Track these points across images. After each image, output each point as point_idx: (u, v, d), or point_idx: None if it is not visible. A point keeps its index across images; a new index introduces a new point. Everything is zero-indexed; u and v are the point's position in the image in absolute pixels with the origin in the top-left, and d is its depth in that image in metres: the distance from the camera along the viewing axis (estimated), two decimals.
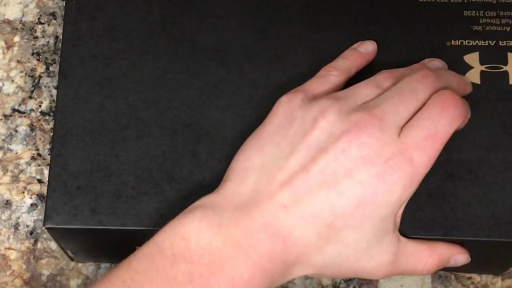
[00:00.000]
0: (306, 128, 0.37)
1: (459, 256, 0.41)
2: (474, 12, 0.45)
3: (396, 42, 0.44)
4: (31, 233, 0.48)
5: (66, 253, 0.45)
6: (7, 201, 0.48)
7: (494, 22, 0.44)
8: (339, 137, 0.36)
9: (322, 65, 0.43)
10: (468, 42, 0.44)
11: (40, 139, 0.49)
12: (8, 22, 0.52)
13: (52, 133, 0.41)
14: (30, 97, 0.50)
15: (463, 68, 0.43)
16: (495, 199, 0.40)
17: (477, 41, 0.44)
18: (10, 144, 0.49)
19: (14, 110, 0.50)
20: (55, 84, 0.50)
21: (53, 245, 0.47)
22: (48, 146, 0.49)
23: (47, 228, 0.40)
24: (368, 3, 0.45)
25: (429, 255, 0.39)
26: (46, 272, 0.47)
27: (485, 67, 0.43)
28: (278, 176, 0.36)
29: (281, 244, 0.36)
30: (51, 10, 0.52)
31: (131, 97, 0.42)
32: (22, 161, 0.49)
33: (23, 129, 0.50)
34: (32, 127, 0.49)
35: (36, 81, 0.50)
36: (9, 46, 0.51)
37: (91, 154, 0.41)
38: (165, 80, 0.43)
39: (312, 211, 0.36)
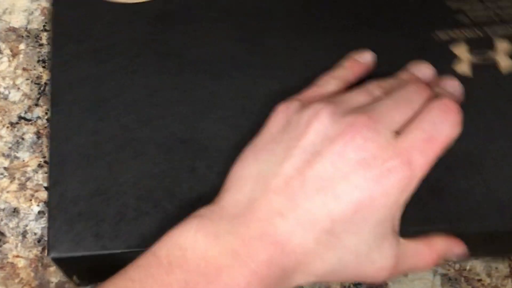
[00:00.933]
0: (300, 131, 0.37)
1: (456, 249, 0.40)
2: (457, 2, 0.45)
3: (384, 39, 0.44)
4: (39, 241, 0.47)
5: (71, 279, 0.45)
6: (15, 209, 0.48)
7: (478, 8, 0.44)
8: (334, 139, 0.36)
9: (312, 71, 0.43)
10: (454, 33, 0.44)
11: (47, 146, 0.49)
12: (14, 30, 0.52)
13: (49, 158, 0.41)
14: (36, 105, 0.50)
15: (452, 60, 0.43)
16: (495, 187, 0.41)
17: (463, 31, 0.44)
18: (17, 152, 0.49)
19: (20, 117, 0.50)
20: None
21: None
22: None
23: (52, 258, 0.40)
24: (353, 5, 0.44)
25: (428, 254, 0.39)
26: (54, 280, 0.47)
27: (474, 57, 0.43)
28: (274, 183, 0.36)
29: (279, 252, 0.35)
30: None
31: (124, 118, 0.42)
32: (29, 168, 0.48)
33: (29, 136, 0.49)
34: (38, 135, 0.49)
35: (42, 88, 0.50)
36: (14, 54, 0.51)
37: (89, 178, 0.41)
38: (157, 98, 0.42)
39: (309, 217, 0.35)
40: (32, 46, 0.51)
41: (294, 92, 0.42)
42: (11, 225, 0.47)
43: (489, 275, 0.47)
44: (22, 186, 0.48)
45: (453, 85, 0.42)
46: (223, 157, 0.41)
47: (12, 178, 0.48)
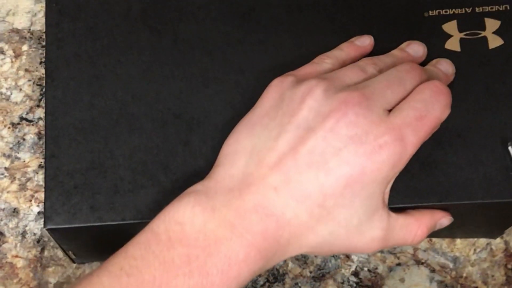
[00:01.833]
0: (294, 107, 0.37)
1: (443, 220, 0.41)
2: None
3: (375, 16, 0.44)
4: (38, 241, 0.48)
5: (67, 254, 0.46)
6: (15, 209, 0.48)
7: None
8: (327, 116, 0.37)
9: (303, 47, 0.43)
10: (446, 12, 0.45)
11: None
12: (17, 31, 0.52)
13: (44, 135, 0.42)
14: (38, 106, 0.50)
15: (442, 37, 0.44)
16: (485, 161, 0.41)
17: (454, 10, 0.45)
18: (18, 153, 0.49)
19: (22, 118, 0.50)
20: None
21: (59, 253, 0.47)
22: None
23: (48, 229, 0.40)
24: None
25: (417, 227, 0.40)
26: (53, 280, 0.47)
27: (464, 34, 0.44)
28: (267, 158, 0.37)
29: (274, 224, 0.36)
30: None
31: (119, 93, 0.42)
32: (29, 169, 0.49)
33: (30, 137, 0.50)
34: (39, 136, 0.50)
35: (44, 89, 0.50)
36: (17, 55, 0.51)
37: (85, 152, 0.41)
38: (151, 73, 0.43)
39: (302, 192, 0.36)
40: (35, 47, 0.51)
41: (286, 68, 0.42)
42: (10, 225, 0.48)
43: (485, 282, 0.48)
44: (23, 187, 0.48)
45: (445, 66, 0.42)
46: (217, 131, 0.42)
47: (12, 179, 0.49)
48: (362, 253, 0.39)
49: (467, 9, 0.45)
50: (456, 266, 0.48)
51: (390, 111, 0.38)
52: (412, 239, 0.40)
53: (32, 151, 0.49)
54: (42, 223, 0.47)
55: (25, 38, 0.52)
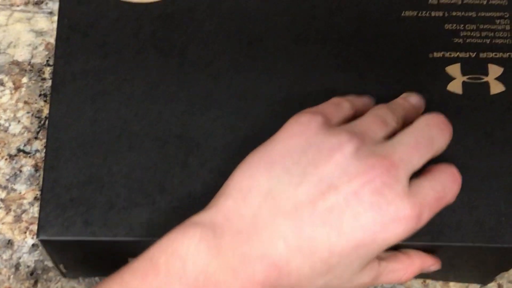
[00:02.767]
0: (321, 159, 0.36)
1: (432, 267, 0.42)
2: (455, 25, 0.46)
3: (380, 55, 0.45)
4: (31, 274, 0.48)
5: (58, 268, 0.46)
6: (9, 240, 0.48)
7: (474, 35, 0.46)
8: (354, 177, 0.36)
9: (308, 78, 0.44)
10: (450, 54, 0.45)
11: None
12: (17, 63, 0.52)
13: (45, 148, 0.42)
14: (36, 138, 0.51)
15: (445, 79, 0.44)
16: (479, 206, 0.41)
17: (458, 53, 0.45)
18: (14, 184, 0.50)
19: (19, 150, 0.50)
20: None
21: (53, 286, 0.47)
22: None
23: (40, 240, 0.40)
24: (353, 17, 0.46)
25: (404, 273, 0.40)
26: None
27: (467, 78, 0.45)
28: (284, 205, 0.36)
29: (276, 274, 0.35)
30: None
31: (123, 111, 0.43)
32: (25, 201, 0.49)
33: (27, 169, 0.50)
34: (36, 168, 0.50)
35: (42, 122, 0.51)
36: (17, 87, 0.52)
37: (84, 166, 0.42)
38: (156, 93, 0.43)
39: (310, 246, 0.35)
40: (34, 80, 0.52)
41: (289, 97, 0.43)
42: (4, 256, 0.48)
43: None
44: (18, 218, 0.49)
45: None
46: (215, 155, 0.42)
47: (8, 210, 0.49)
48: None
49: (471, 54, 0.45)
50: None
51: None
52: (397, 281, 0.41)
53: (29, 183, 0.50)
54: (36, 255, 0.47)
55: (25, 70, 0.52)
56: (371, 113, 0.40)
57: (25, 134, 0.51)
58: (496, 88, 0.44)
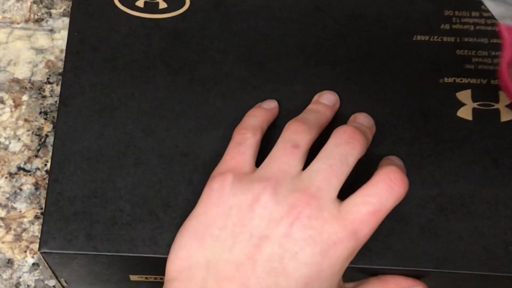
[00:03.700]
0: (244, 216, 0.37)
1: None
2: (466, 51, 0.46)
3: (390, 79, 0.45)
4: None
5: (59, 281, 0.45)
6: (9, 260, 0.48)
7: (486, 61, 0.45)
8: (279, 222, 0.37)
9: None
10: (461, 80, 0.45)
11: (44, 198, 0.49)
12: (17, 81, 0.53)
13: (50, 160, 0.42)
14: (36, 156, 0.51)
15: (455, 105, 0.44)
16: (486, 233, 0.41)
17: (469, 79, 0.45)
18: (14, 203, 0.49)
19: (19, 168, 0.50)
20: None
21: None
22: None
23: (42, 253, 0.40)
24: (364, 40, 0.46)
25: None
26: None
27: (477, 105, 0.44)
28: (225, 270, 0.36)
29: None
30: (60, 70, 0.52)
31: (130, 126, 0.43)
32: (25, 219, 0.49)
33: (27, 187, 0.50)
34: (36, 186, 0.50)
35: (42, 140, 0.51)
36: (17, 105, 0.52)
37: (88, 180, 0.41)
38: (164, 110, 0.43)
39: None
40: (35, 97, 0.52)
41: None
42: (4, 276, 0.48)
43: None
44: (18, 237, 0.48)
45: (366, 120, 0.43)
46: None
47: (8, 229, 0.49)
48: None
49: (482, 80, 0.45)
50: None
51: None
52: None
53: (29, 201, 0.49)
54: (36, 274, 0.47)
55: (26, 88, 0.52)
56: (281, 141, 0.40)
57: (25, 152, 0.51)
58: (507, 115, 0.44)
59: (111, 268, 0.42)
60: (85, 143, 0.42)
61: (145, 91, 0.44)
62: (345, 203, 0.38)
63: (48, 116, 0.51)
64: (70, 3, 0.52)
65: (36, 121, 0.51)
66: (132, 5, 0.46)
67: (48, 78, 0.52)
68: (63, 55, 0.48)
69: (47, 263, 0.42)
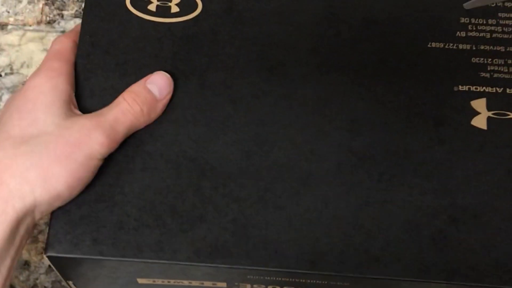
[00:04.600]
0: None
1: None
2: (482, 59, 0.45)
3: (404, 86, 0.44)
4: None
5: (68, 284, 0.45)
6: (26, 261, 0.48)
7: (502, 69, 0.45)
8: None
9: (327, 106, 0.43)
10: (476, 88, 0.44)
11: None
12: None
13: None
14: None
15: (470, 113, 0.43)
16: (498, 246, 0.40)
17: (484, 88, 0.44)
18: None
19: None
20: None
21: None
22: None
23: (48, 257, 0.40)
24: (378, 46, 0.45)
25: None
26: None
27: (492, 113, 0.43)
28: None
29: None
30: None
31: (138, 130, 0.43)
32: (41, 221, 0.49)
33: None
34: None
35: None
36: None
37: (96, 184, 0.41)
38: (173, 115, 0.43)
39: None
40: None
41: (307, 124, 0.42)
42: (21, 278, 0.48)
43: None
44: (34, 239, 0.48)
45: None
46: (229, 180, 0.41)
47: None
48: None
49: (498, 89, 0.44)
50: None
51: None
52: None
53: None
54: (53, 276, 0.47)
55: None
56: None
57: None
58: None
59: (118, 271, 0.42)
60: None
61: None
62: None
63: None
64: (82, 4, 0.53)
65: None
66: (144, 8, 0.46)
67: None
68: None
69: (54, 266, 0.42)
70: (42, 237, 0.48)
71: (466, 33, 0.46)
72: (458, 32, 0.46)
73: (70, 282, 0.45)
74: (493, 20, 0.46)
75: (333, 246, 0.40)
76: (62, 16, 0.54)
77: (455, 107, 0.44)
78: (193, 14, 0.46)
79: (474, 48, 0.45)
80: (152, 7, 0.46)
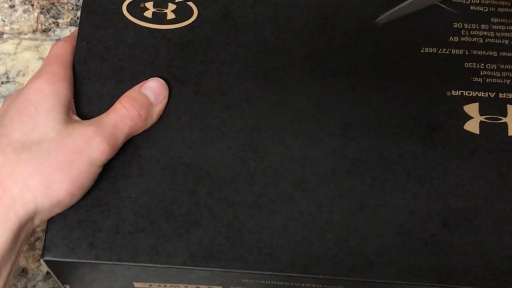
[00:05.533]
0: None
1: None
2: (475, 64, 0.45)
3: (397, 91, 0.45)
4: None
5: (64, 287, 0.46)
6: (23, 269, 0.48)
7: (494, 74, 0.45)
8: None
9: (322, 112, 0.44)
10: (469, 93, 0.45)
11: None
12: None
13: None
14: None
15: (462, 118, 0.44)
16: (490, 249, 0.40)
17: (477, 92, 0.45)
18: None
19: None
20: None
21: None
22: None
23: (45, 261, 0.41)
24: (371, 52, 0.46)
25: None
26: None
27: (485, 118, 0.44)
28: None
29: None
30: None
31: (134, 136, 0.43)
32: (38, 228, 0.49)
33: None
34: None
35: None
36: None
37: (92, 189, 0.42)
38: (169, 121, 0.44)
39: None
40: None
41: (302, 130, 0.42)
42: (19, 285, 0.48)
43: None
44: (31, 246, 0.49)
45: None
46: (224, 185, 0.42)
47: None
48: None
49: (490, 94, 0.44)
50: None
51: None
52: None
53: None
54: (51, 283, 0.47)
55: None
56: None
57: None
58: None
59: (114, 275, 0.42)
60: None
61: None
62: None
63: None
64: (77, 12, 0.53)
65: None
66: (140, 15, 0.47)
67: None
68: None
69: (51, 270, 0.42)
70: (40, 245, 0.48)
71: (459, 38, 0.46)
72: (451, 37, 0.46)
73: (68, 286, 0.45)
74: (486, 25, 0.46)
75: (327, 250, 0.41)
76: (57, 24, 0.54)
77: (448, 111, 0.44)
78: (188, 21, 0.47)
79: (467, 53, 0.46)
80: (148, 13, 0.47)
